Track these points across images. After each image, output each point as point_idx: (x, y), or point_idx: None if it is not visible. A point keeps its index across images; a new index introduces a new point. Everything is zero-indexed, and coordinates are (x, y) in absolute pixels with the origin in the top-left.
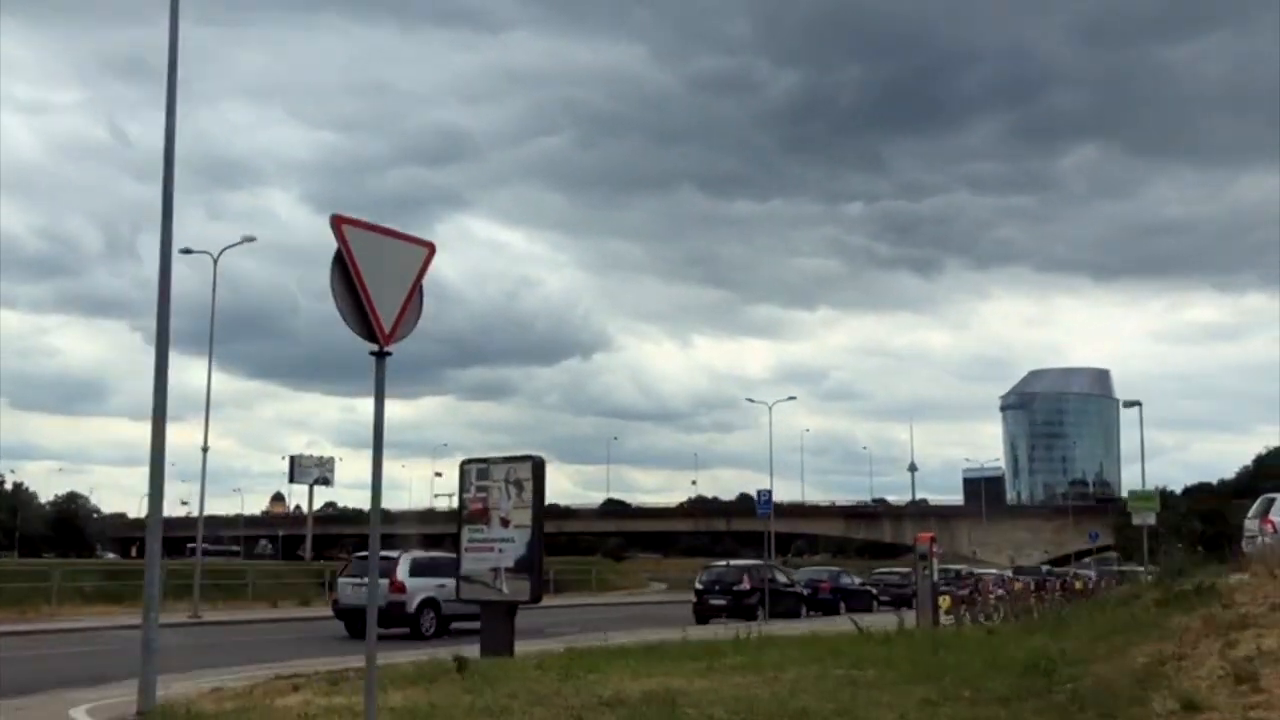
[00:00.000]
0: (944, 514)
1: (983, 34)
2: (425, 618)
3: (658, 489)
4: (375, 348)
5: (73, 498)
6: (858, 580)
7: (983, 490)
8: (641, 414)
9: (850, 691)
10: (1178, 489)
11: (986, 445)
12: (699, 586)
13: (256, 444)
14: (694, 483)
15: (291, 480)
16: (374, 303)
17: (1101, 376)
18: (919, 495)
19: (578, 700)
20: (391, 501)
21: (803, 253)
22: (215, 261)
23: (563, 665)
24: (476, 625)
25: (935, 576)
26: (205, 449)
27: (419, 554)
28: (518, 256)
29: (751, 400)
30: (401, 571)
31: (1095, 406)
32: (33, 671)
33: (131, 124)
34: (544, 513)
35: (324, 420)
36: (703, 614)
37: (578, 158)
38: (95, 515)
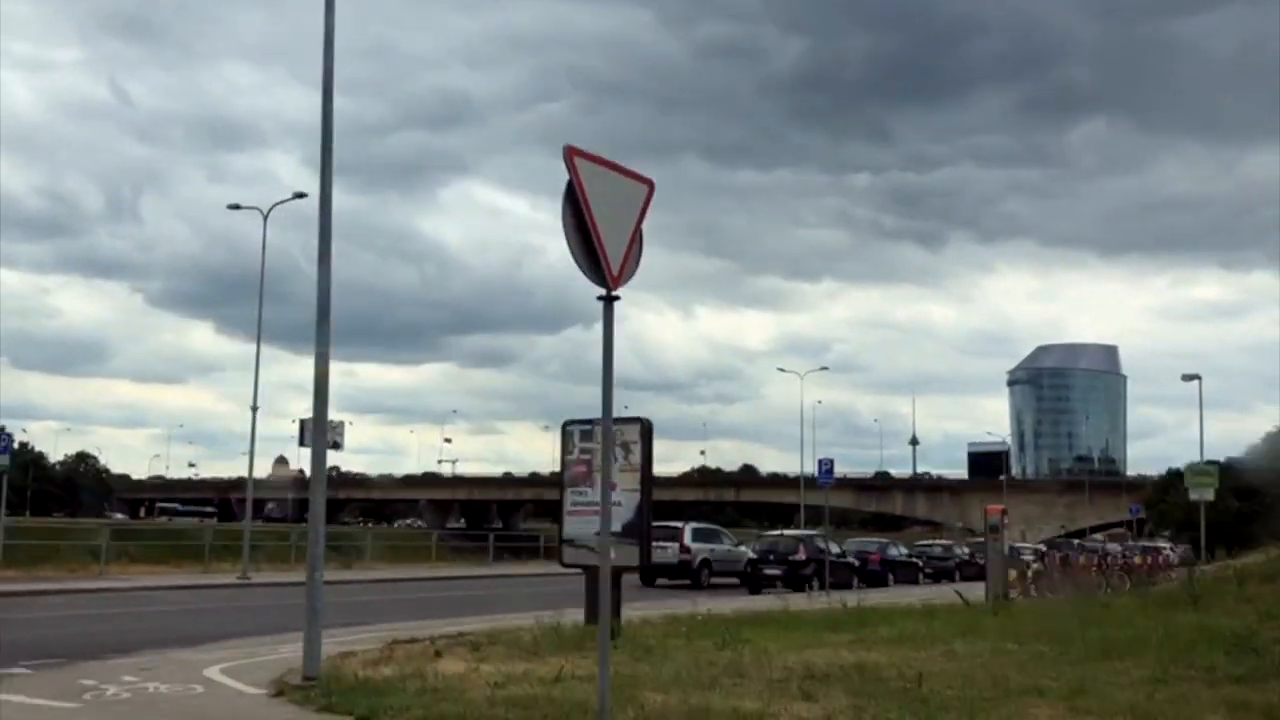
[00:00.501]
0: (956, 488)
1: (992, 5)
2: (703, 573)
3: (660, 459)
4: (603, 291)
5: (82, 458)
6: (905, 552)
7: (1003, 464)
8: (643, 384)
9: (1056, 669)
10: (1180, 466)
11: (988, 420)
12: (752, 556)
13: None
14: (702, 453)
15: (301, 444)
16: (603, 241)
17: (1109, 353)
18: (921, 469)
19: (771, 672)
20: (397, 466)
21: (807, 224)
22: (265, 217)
23: (701, 634)
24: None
25: (1006, 549)
26: (255, 408)
27: (696, 524)
28: (520, 223)
29: (783, 370)
30: (687, 537)
31: (1102, 383)
32: (116, 631)
33: (132, 83)
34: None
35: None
36: (756, 583)
37: (580, 124)
38: (104, 475)
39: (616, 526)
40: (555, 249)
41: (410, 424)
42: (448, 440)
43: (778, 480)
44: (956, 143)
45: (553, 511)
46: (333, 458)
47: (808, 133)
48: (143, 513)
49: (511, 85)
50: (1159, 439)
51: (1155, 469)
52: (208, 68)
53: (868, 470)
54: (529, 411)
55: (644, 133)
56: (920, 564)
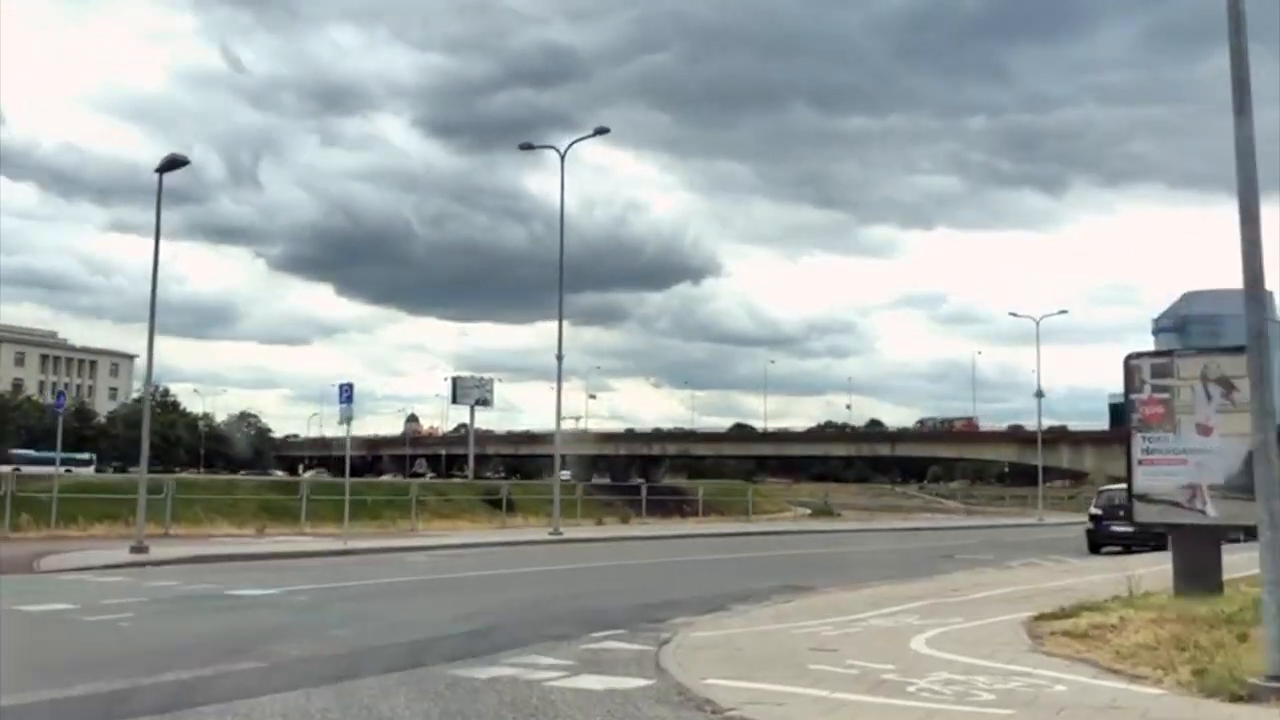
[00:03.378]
0: (1106, 439)
1: None
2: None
3: (773, 414)
4: None
5: (244, 417)
6: None
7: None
8: (753, 339)
9: None
10: None
11: (1117, 371)
12: (1096, 511)
13: (379, 368)
14: (849, 406)
15: (455, 400)
16: None
17: (1265, 298)
18: (1053, 423)
19: None
20: (515, 423)
21: (921, 170)
22: (562, 158)
23: None
24: None
25: None
26: (560, 357)
27: None
28: (626, 179)
29: (1015, 314)
30: None
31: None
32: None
33: (244, 50)
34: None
35: (440, 346)
36: (1099, 542)
37: (684, 74)
38: (269, 435)
39: (1217, 478)
40: (662, 204)
41: (525, 381)
42: (592, 397)
43: (956, 435)
44: (1077, 80)
45: (691, 466)
46: (453, 416)
47: (920, 75)
48: (300, 470)
49: (614, 37)
50: None
51: None
52: (315, 31)
53: (999, 424)
54: (641, 368)
55: (750, 80)
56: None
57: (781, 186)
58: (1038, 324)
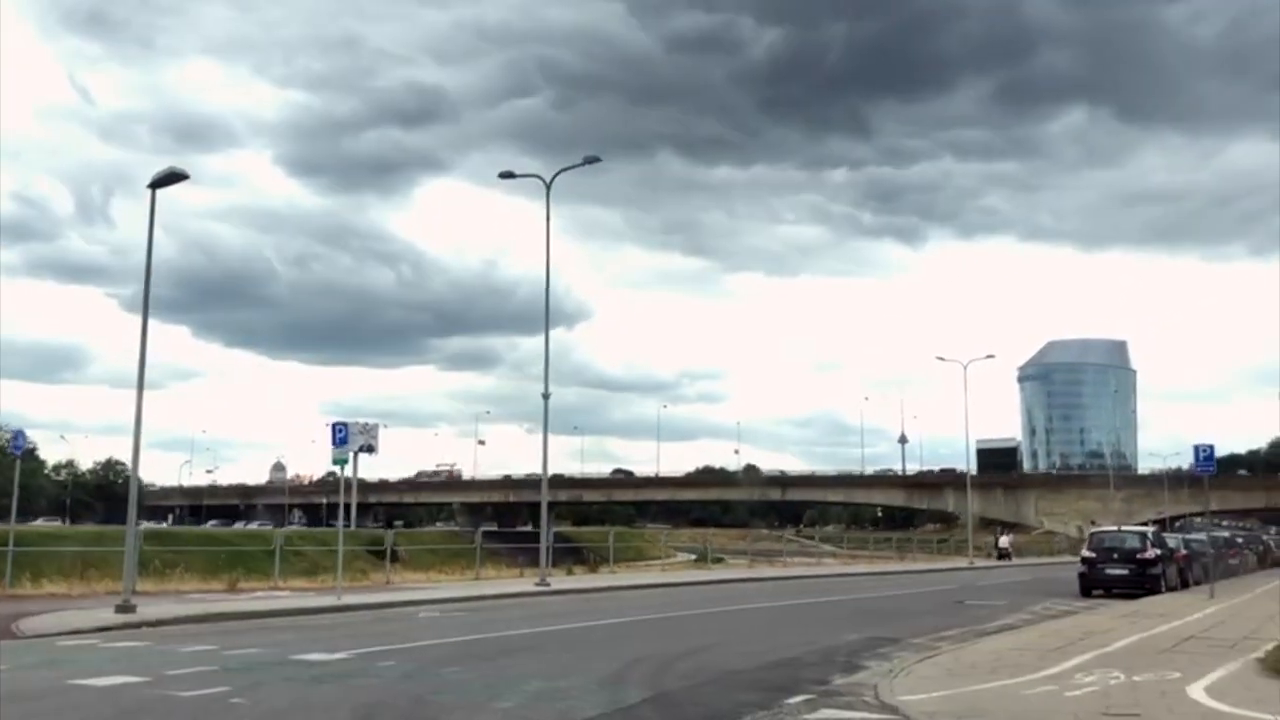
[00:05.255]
0: (1011, 484)
1: None
2: None
3: (642, 460)
4: None
5: (110, 465)
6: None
7: (1014, 461)
8: (625, 384)
9: None
10: (1184, 463)
11: (975, 416)
12: (1089, 554)
13: (239, 413)
14: (736, 451)
15: (335, 444)
16: None
17: (1118, 347)
18: (918, 468)
19: None
20: (388, 471)
21: (785, 220)
22: (548, 186)
23: None
24: None
25: None
26: (546, 395)
27: None
28: (496, 222)
29: (942, 359)
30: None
31: (1113, 378)
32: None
33: (94, 80)
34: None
35: (304, 390)
36: (1092, 584)
37: (553, 119)
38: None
39: None
40: (533, 249)
41: (393, 428)
42: (481, 442)
43: (844, 480)
44: (935, 136)
45: (576, 512)
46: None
47: (785, 126)
48: (169, 520)
49: (482, 79)
50: (1154, 431)
51: (1164, 463)
52: (173, 64)
53: (854, 467)
54: (512, 414)
55: (618, 128)
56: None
57: (651, 234)
58: (965, 367)
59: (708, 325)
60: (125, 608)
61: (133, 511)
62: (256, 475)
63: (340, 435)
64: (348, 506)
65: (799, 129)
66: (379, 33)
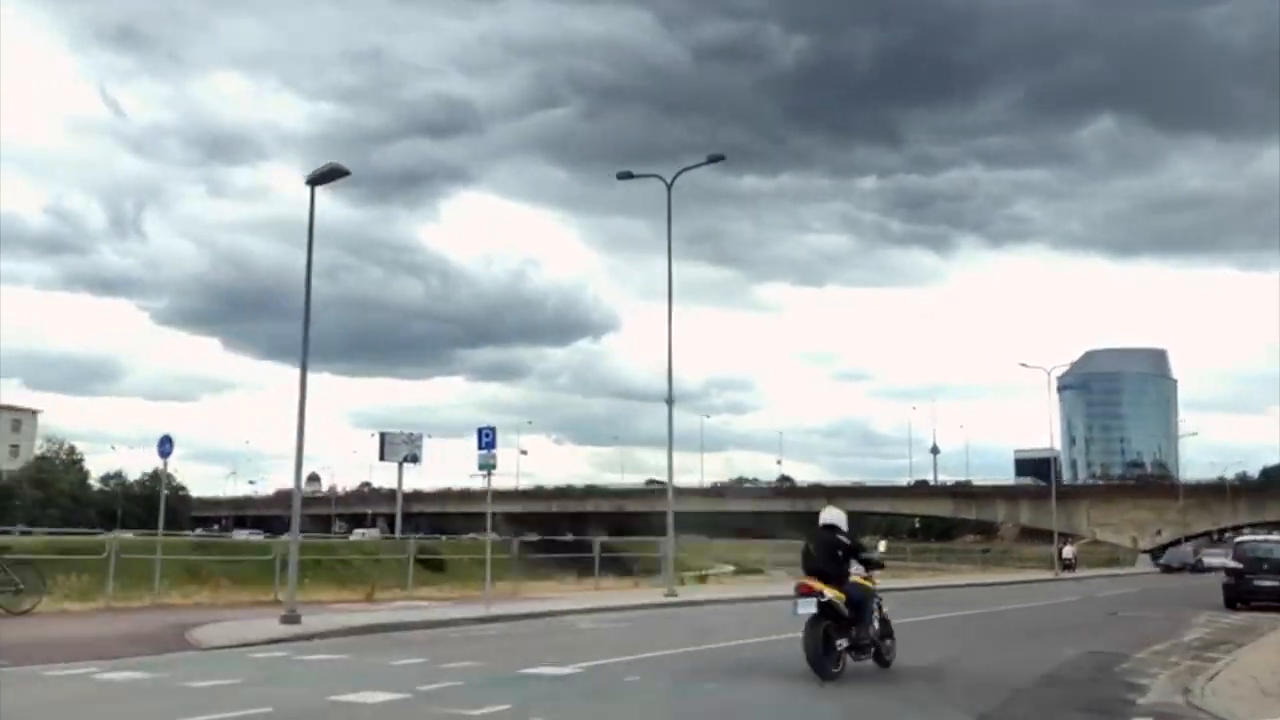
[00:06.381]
0: (1062, 494)
1: None
2: None
3: (677, 470)
4: None
5: (156, 477)
6: None
7: (1051, 470)
8: (653, 395)
9: None
10: (1229, 472)
11: (1006, 426)
12: (1234, 565)
13: (271, 425)
14: (779, 461)
15: (382, 458)
16: None
17: (1158, 356)
18: (962, 478)
19: None
20: (420, 482)
21: (812, 229)
22: (669, 186)
23: None
24: None
25: None
26: (670, 400)
27: None
28: (524, 234)
29: (1025, 365)
30: None
31: (1153, 387)
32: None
33: (125, 94)
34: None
35: (335, 402)
36: (1239, 597)
37: (581, 130)
38: (181, 493)
39: None
40: (560, 260)
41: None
42: (523, 452)
43: (889, 491)
44: (964, 143)
45: (612, 522)
46: (359, 474)
47: (812, 135)
48: (216, 529)
49: (510, 91)
50: (1189, 442)
51: (1207, 473)
52: (201, 77)
53: (898, 479)
54: (541, 425)
55: (645, 138)
56: None
57: (677, 243)
58: (1050, 374)
59: (735, 335)
60: (290, 619)
61: (295, 522)
62: (281, 485)
63: (487, 439)
64: (377, 515)
65: (827, 137)
66: (406, 45)
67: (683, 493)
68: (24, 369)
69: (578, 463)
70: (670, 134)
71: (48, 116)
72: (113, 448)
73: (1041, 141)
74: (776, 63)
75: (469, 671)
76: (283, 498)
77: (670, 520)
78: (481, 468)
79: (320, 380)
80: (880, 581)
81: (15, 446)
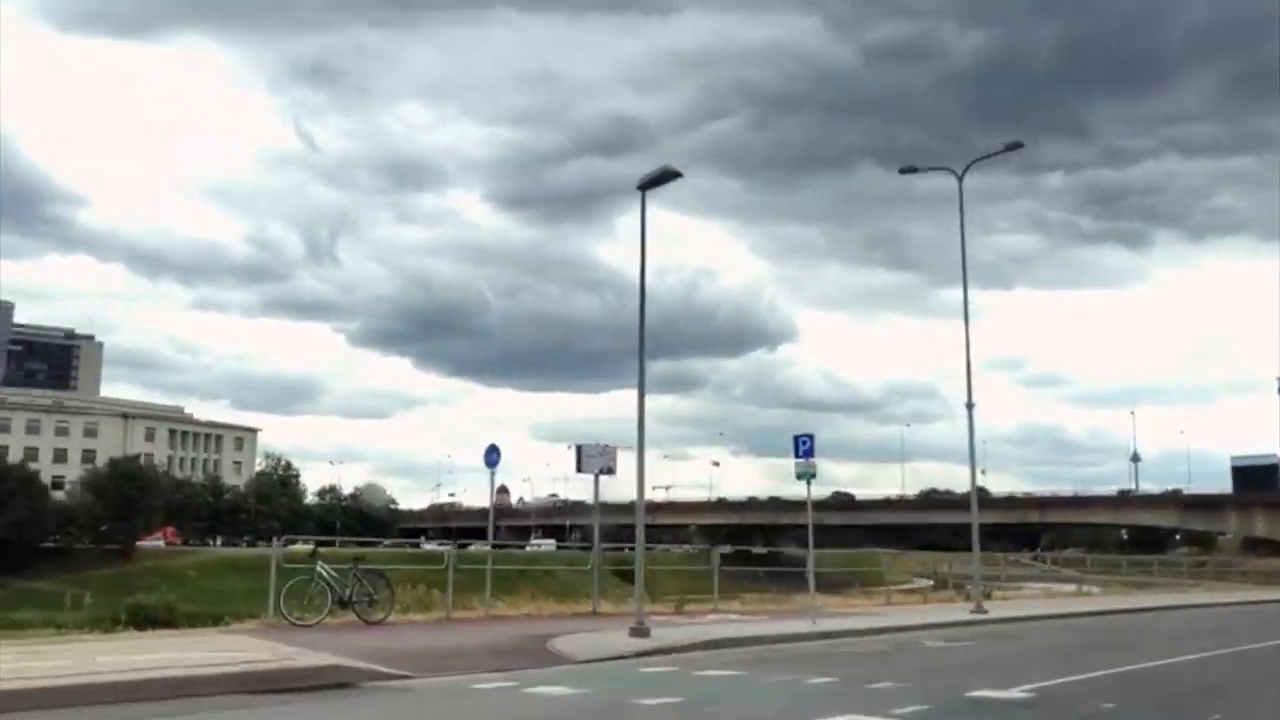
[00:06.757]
0: None
1: None
2: None
3: (853, 482)
4: None
5: (368, 491)
6: None
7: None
8: (832, 405)
9: None
10: None
11: (1215, 432)
12: None
13: (459, 439)
14: (983, 472)
15: (579, 469)
16: None
17: None
18: (1168, 486)
19: None
20: (620, 492)
21: (998, 229)
22: (960, 179)
23: None
24: None
25: None
26: (970, 405)
27: None
28: (696, 246)
29: None
30: None
31: None
32: None
33: (317, 128)
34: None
35: (517, 415)
36: None
37: (751, 140)
38: (391, 506)
39: None
40: (733, 270)
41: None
42: (715, 464)
43: (1109, 501)
44: (1159, 133)
45: (799, 535)
46: (545, 485)
47: (992, 132)
48: (422, 540)
49: (680, 105)
50: None
51: None
52: (386, 109)
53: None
54: (716, 436)
55: (817, 143)
56: None
57: (853, 249)
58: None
59: (916, 341)
60: (640, 631)
61: (640, 533)
62: (479, 498)
63: (805, 447)
64: (573, 527)
65: (1009, 133)
66: (577, 65)
67: (873, 505)
68: (231, 390)
69: (754, 474)
70: (843, 138)
71: (248, 152)
72: (330, 463)
73: (1243, 128)
74: (953, 60)
75: (906, 695)
76: (481, 511)
77: (975, 533)
78: (800, 477)
79: (503, 395)
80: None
81: (238, 463)
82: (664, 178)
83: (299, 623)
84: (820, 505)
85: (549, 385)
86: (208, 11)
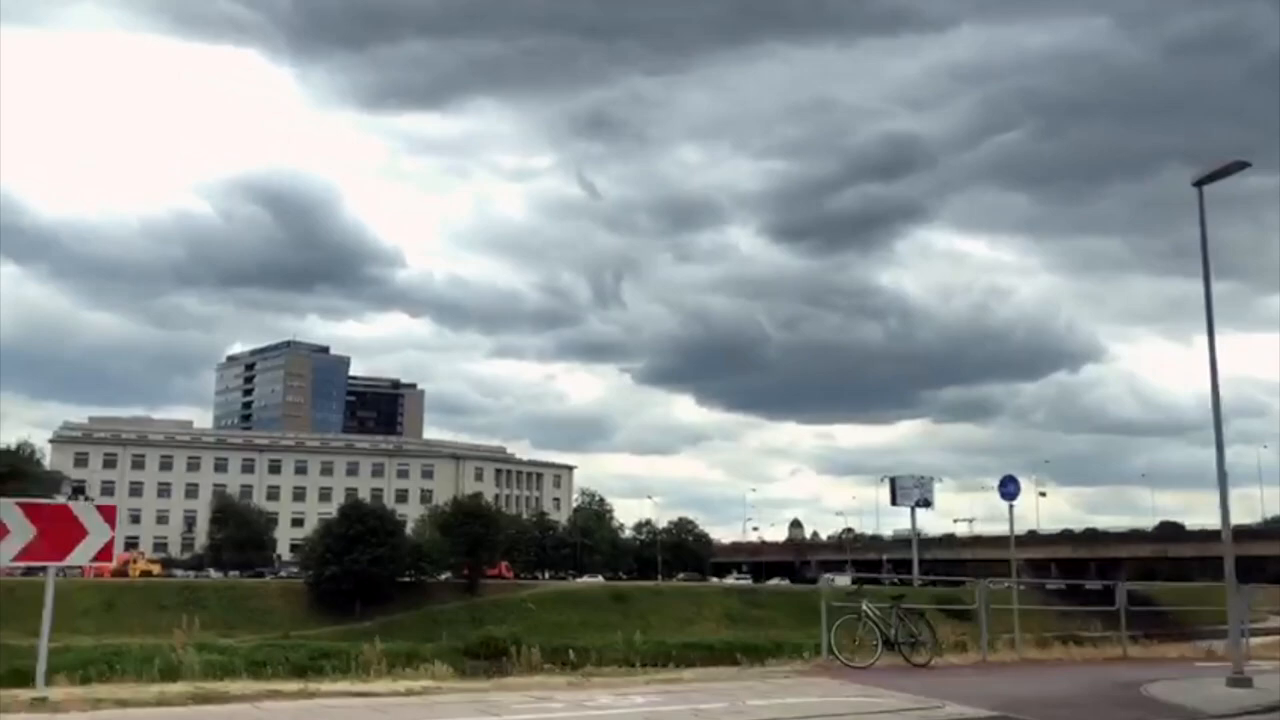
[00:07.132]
0: None
1: None
2: None
3: (1175, 512)
4: None
5: (682, 525)
6: None
7: None
8: (1145, 428)
9: None
10: None
11: None
12: None
13: (744, 473)
14: None
15: (894, 502)
16: None
17: None
18: None
19: None
20: (887, 527)
21: None
22: None
23: None
24: None
25: None
26: None
27: None
28: (983, 265)
29: None
30: None
31: None
32: None
33: (598, 177)
34: None
35: (802, 449)
36: None
37: (1038, 151)
38: (704, 541)
39: None
40: (1025, 289)
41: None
42: (1042, 494)
43: None
44: None
45: (1148, 569)
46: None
47: None
48: (732, 576)
49: (958, 122)
50: None
51: None
52: (662, 152)
53: None
54: (1014, 466)
55: (1113, 149)
56: None
57: (1159, 259)
58: None
59: (1238, 355)
60: (1240, 681)
61: (1229, 568)
62: (774, 533)
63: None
64: (878, 562)
65: None
66: (850, 90)
67: (1204, 536)
68: (530, 431)
69: (1059, 504)
70: (1142, 141)
71: (537, 205)
72: (649, 498)
73: None
74: (1268, 47)
75: None
76: (791, 545)
77: None
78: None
79: (787, 430)
80: None
81: (556, 499)
82: (1228, 169)
83: (849, 663)
84: (1142, 537)
85: (833, 417)
86: (495, 77)
